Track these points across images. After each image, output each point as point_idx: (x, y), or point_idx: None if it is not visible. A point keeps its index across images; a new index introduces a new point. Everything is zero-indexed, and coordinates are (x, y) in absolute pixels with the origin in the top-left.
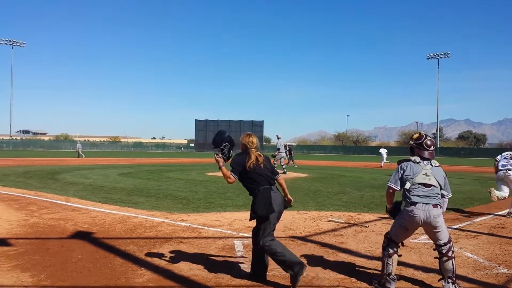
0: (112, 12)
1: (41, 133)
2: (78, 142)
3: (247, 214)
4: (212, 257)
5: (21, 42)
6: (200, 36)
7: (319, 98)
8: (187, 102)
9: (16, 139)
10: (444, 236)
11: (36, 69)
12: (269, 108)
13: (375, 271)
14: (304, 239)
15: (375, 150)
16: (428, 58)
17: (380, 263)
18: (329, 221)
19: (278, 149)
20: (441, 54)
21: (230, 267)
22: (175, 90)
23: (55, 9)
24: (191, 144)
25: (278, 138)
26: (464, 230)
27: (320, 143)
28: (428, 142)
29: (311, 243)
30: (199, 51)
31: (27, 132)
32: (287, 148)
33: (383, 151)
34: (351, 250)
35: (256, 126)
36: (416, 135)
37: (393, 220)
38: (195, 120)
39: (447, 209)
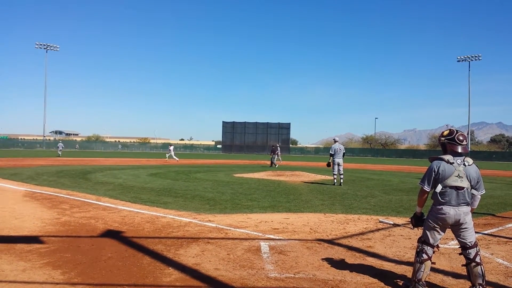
0: (142, 15)
1: (73, 134)
2: (60, 141)
3: (274, 216)
4: (238, 258)
5: (54, 46)
6: (228, 38)
7: (346, 100)
8: (215, 104)
9: (49, 139)
10: (471, 236)
11: (69, 72)
12: (296, 111)
13: (403, 276)
14: (330, 242)
15: (404, 154)
16: (458, 61)
17: (409, 268)
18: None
19: (331, 154)
20: (472, 57)
21: (256, 269)
22: (203, 92)
23: (87, 12)
24: (218, 146)
25: (335, 142)
26: (495, 236)
27: (347, 146)
28: (460, 137)
29: (338, 246)
30: (227, 53)
31: (60, 132)
32: (275, 148)
33: (171, 148)
34: (378, 254)
35: (283, 129)
36: (446, 132)
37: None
38: (223, 122)
39: (480, 213)
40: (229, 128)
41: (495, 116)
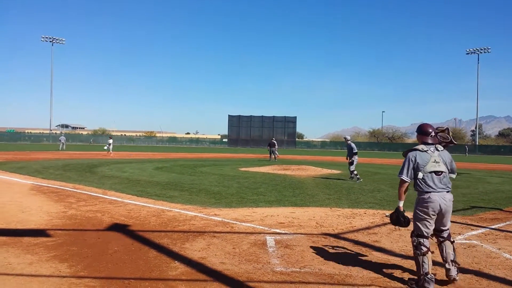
0: (147, 9)
1: (79, 128)
2: (62, 134)
3: (279, 210)
4: (244, 252)
5: (60, 39)
6: (235, 33)
7: (353, 94)
8: (221, 97)
9: (55, 133)
10: (449, 221)
11: (75, 65)
12: (303, 104)
13: (409, 271)
14: (337, 236)
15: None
16: (467, 53)
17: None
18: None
19: (356, 153)
20: (481, 49)
21: (262, 263)
22: (209, 86)
23: (94, 5)
24: (224, 140)
25: (348, 140)
26: (503, 231)
27: (354, 140)
28: (429, 129)
29: (344, 241)
30: (233, 47)
31: (66, 126)
32: (273, 142)
33: (110, 141)
34: (385, 249)
35: (289, 122)
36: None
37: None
38: (228, 115)
39: (487, 208)
40: (235, 121)
41: (504, 110)
